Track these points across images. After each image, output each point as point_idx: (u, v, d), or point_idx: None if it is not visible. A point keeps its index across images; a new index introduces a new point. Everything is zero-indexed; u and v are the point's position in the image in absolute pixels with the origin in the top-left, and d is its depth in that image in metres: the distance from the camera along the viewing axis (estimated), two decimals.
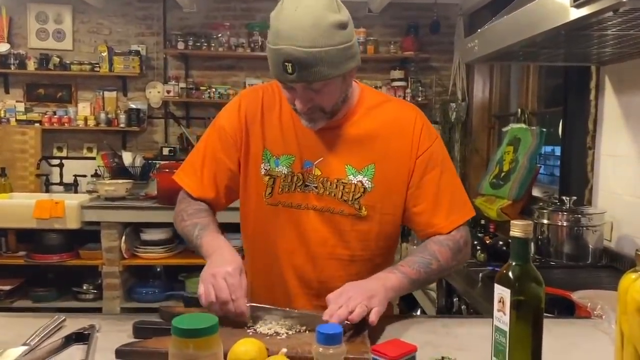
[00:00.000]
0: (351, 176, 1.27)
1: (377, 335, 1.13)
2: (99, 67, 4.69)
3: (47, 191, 4.30)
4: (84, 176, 4.36)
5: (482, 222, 3.31)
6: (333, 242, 1.28)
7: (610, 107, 2.29)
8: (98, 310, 3.48)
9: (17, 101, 4.77)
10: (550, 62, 2.48)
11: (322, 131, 1.26)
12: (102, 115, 4.71)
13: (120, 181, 3.75)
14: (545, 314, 0.91)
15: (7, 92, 4.81)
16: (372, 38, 4.73)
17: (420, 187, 1.28)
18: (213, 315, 0.83)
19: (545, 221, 2.29)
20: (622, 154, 2.20)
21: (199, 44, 4.65)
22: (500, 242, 2.43)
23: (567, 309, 1.60)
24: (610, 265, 2.19)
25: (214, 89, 4.73)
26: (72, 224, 3.37)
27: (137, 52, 4.72)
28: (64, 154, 4.83)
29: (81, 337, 1.09)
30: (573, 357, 1.09)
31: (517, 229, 0.88)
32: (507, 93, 4.20)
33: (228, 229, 2.32)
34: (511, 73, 4.11)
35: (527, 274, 0.89)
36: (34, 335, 1.08)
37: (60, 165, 4.32)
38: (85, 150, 4.89)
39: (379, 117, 1.30)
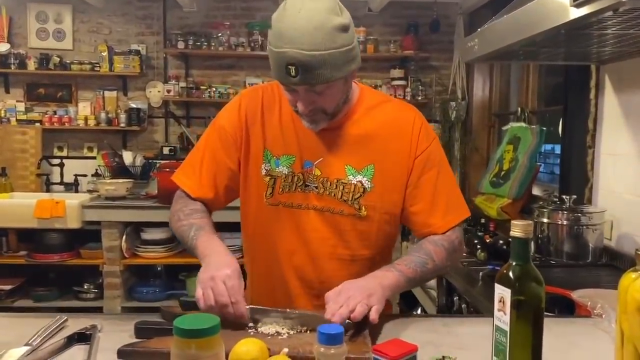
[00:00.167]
0: (351, 176, 1.27)
1: (378, 335, 1.14)
2: (99, 66, 4.69)
3: (48, 191, 4.31)
4: (85, 176, 4.36)
5: (482, 221, 3.31)
6: (333, 242, 1.29)
7: (610, 105, 2.29)
8: (99, 309, 3.48)
9: (17, 101, 4.78)
10: (550, 61, 2.49)
11: (322, 131, 1.27)
12: (103, 115, 4.71)
13: (120, 181, 3.74)
14: (545, 313, 0.91)
15: (7, 91, 4.82)
16: (372, 37, 4.74)
17: (418, 187, 1.29)
18: (214, 315, 0.83)
19: (545, 220, 2.30)
20: (622, 152, 2.20)
21: (199, 44, 4.65)
22: (501, 241, 2.44)
23: (567, 308, 1.61)
24: (610, 264, 2.19)
25: (214, 89, 4.73)
26: (73, 223, 3.37)
27: (137, 52, 4.73)
28: (64, 153, 4.83)
29: (83, 337, 1.09)
30: (573, 356, 1.10)
31: (518, 229, 0.89)
32: (507, 92, 4.20)
33: (228, 228, 2.32)
34: (511, 72, 4.11)
35: (527, 274, 0.89)
36: (36, 336, 1.08)
37: (61, 165, 4.32)
38: (85, 150, 4.89)
39: (378, 118, 1.31)
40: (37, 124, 4.68)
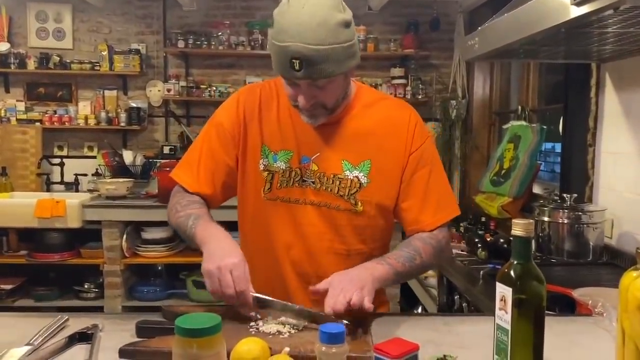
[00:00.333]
0: (347, 171, 1.30)
1: (379, 334, 1.14)
2: (99, 66, 4.69)
3: (48, 190, 4.31)
4: (85, 175, 4.36)
5: (483, 219, 3.32)
6: (330, 237, 1.31)
7: (611, 104, 2.29)
8: (99, 309, 3.49)
9: (17, 100, 4.77)
10: (551, 60, 2.48)
11: (320, 127, 1.29)
12: (103, 114, 4.71)
13: (121, 180, 3.75)
14: (546, 312, 0.91)
15: (7, 91, 4.81)
16: (372, 36, 4.73)
17: (411, 183, 1.32)
18: (216, 315, 0.83)
19: (545, 218, 2.29)
20: (622, 151, 2.20)
21: (199, 43, 4.64)
22: (501, 240, 2.44)
23: (568, 307, 1.61)
24: (610, 263, 2.19)
25: (214, 88, 4.73)
26: (73, 223, 3.37)
27: (137, 51, 4.72)
28: (64, 153, 4.83)
29: (84, 337, 1.10)
30: (574, 355, 1.10)
31: (519, 227, 0.89)
32: (507, 90, 4.19)
33: (224, 227, 2.32)
34: (511, 70, 4.10)
35: (528, 273, 0.89)
36: (37, 335, 1.08)
37: (61, 164, 4.32)
38: (85, 149, 4.89)
39: (375, 115, 1.34)
40: (37, 124, 4.68)
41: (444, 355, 0.99)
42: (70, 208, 3.35)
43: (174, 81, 4.73)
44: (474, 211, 3.48)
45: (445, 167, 4.50)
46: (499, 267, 0.93)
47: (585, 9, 1.27)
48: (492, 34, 1.85)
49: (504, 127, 3.30)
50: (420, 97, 4.69)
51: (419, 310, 3.16)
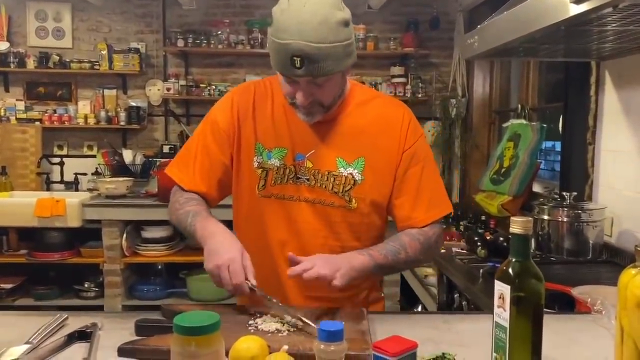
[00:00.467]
0: (342, 168, 1.31)
1: (378, 332, 1.14)
2: (99, 65, 4.68)
3: (48, 189, 4.31)
4: (85, 174, 4.36)
5: (483, 218, 3.32)
6: (324, 234, 1.32)
7: (610, 102, 2.29)
8: (99, 308, 3.49)
9: (17, 100, 4.77)
10: (550, 58, 2.48)
11: (314, 124, 1.31)
12: (102, 113, 4.71)
13: (120, 179, 3.75)
14: (545, 310, 0.91)
15: (7, 90, 4.81)
16: (371, 34, 4.72)
17: (403, 181, 1.33)
18: (214, 313, 0.83)
19: (545, 217, 2.29)
20: (622, 149, 2.20)
21: (198, 42, 4.64)
22: (501, 238, 2.43)
23: (568, 305, 1.61)
24: (610, 261, 2.19)
25: (213, 87, 4.72)
26: (73, 222, 3.37)
27: (137, 50, 4.72)
28: (64, 152, 4.83)
29: (83, 335, 1.10)
30: (573, 352, 1.10)
31: (517, 225, 0.89)
32: (507, 89, 4.19)
33: None
34: (511, 69, 4.10)
35: (527, 270, 0.89)
36: (36, 334, 1.08)
37: (61, 164, 4.32)
38: (85, 149, 4.89)
39: (369, 113, 1.35)
40: (37, 123, 4.68)
41: (443, 353, 0.99)
42: (70, 207, 3.35)
43: (173, 80, 4.73)
44: (474, 210, 3.48)
45: (445, 166, 4.56)
46: (499, 265, 0.93)
47: (584, 7, 1.27)
48: (492, 32, 1.85)
49: (504, 125, 3.29)
50: (420, 95, 4.69)
51: (419, 308, 3.16)
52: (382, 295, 1.50)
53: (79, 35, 4.85)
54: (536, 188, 3.18)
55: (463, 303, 2.18)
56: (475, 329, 1.19)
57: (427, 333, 1.15)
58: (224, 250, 1.17)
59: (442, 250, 2.61)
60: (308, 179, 1.31)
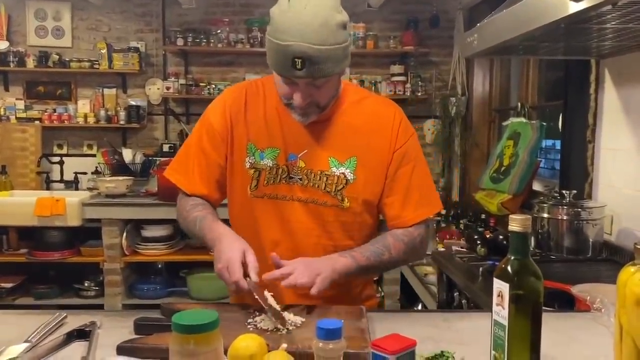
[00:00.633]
0: (334, 168, 1.32)
1: (378, 330, 1.14)
2: (99, 64, 4.68)
3: (48, 189, 4.31)
4: (85, 173, 4.36)
5: (483, 216, 3.32)
6: (317, 233, 1.33)
7: (610, 100, 2.29)
8: (99, 307, 3.49)
9: (16, 99, 4.77)
10: (550, 56, 2.48)
11: (307, 125, 1.31)
12: (102, 113, 4.71)
13: (120, 178, 3.75)
14: (545, 308, 0.91)
15: (6, 89, 4.81)
16: (371, 33, 4.72)
17: (394, 180, 1.34)
18: (213, 311, 0.83)
19: (545, 215, 2.29)
20: (622, 147, 2.19)
21: (198, 40, 4.64)
22: (501, 237, 2.43)
23: (567, 303, 1.61)
24: (610, 259, 2.19)
25: (213, 85, 4.72)
26: (73, 221, 3.37)
27: (137, 49, 4.72)
28: (64, 151, 4.83)
29: (82, 334, 1.10)
30: (572, 350, 1.10)
31: (516, 223, 0.89)
32: (507, 87, 4.19)
33: None
34: (511, 67, 4.10)
35: (525, 268, 0.89)
36: (35, 332, 1.09)
37: (61, 163, 4.32)
38: (85, 148, 4.89)
39: (361, 112, 1.36)
40: (37, 122, 4.68)
41: (442, 352, 0.99)
42: (70, 206, 3.35)
43: (173, 79, 4.73)
44: (473, 208, 3.48)
45: (445, 164, 4.56)
46: (499, 264, 0.93)
47: (583, 5, 1.26)
48: (492, 30, 1.85)
49: (504, 124, 3.29)
50: (419, 94, 4.69)
51: (419, 307, 3.16)
52: (378, 295, 1.51)
53: (79, 34, 4.84)
54: (536, 186, 3.18)
55: (463, 301, 2.18)
56: (474, 327, 1.19)
57: (426, 331, 1.15)
58: (225, 252, 1.19)
59: (442, 249, 2.61)
60: (301, 179, 1.32)
